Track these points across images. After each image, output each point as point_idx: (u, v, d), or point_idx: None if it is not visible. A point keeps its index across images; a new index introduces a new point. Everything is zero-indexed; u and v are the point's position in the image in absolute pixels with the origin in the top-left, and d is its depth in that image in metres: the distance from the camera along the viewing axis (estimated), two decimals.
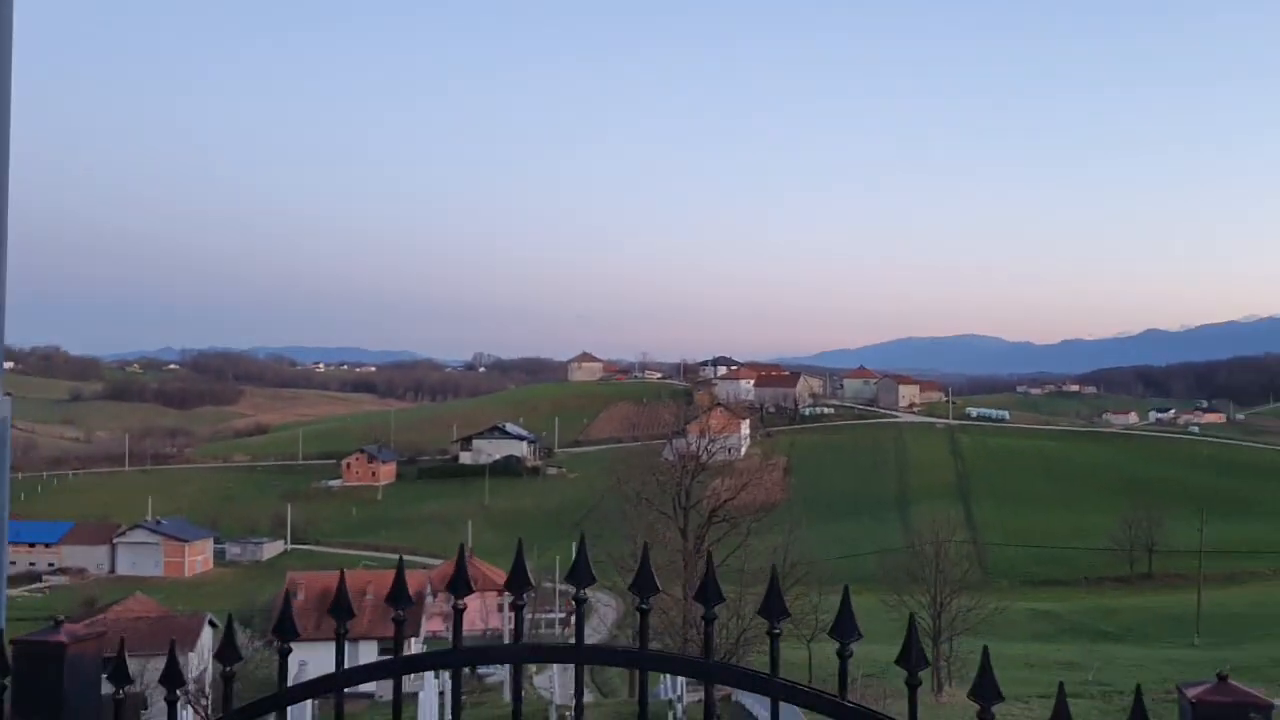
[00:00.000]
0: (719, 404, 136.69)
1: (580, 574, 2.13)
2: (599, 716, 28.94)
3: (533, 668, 39.49)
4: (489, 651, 2.50)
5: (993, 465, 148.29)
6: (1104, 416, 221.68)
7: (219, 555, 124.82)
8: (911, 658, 1.94)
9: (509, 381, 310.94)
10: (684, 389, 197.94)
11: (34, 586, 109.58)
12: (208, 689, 34.92)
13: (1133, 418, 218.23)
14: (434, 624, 62.08)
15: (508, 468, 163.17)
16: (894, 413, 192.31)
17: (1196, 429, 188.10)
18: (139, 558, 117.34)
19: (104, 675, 2.49)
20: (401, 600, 2.30)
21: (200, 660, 43.26)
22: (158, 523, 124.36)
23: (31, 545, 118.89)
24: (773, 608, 2.00)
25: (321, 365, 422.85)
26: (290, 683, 2.31)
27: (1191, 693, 2.40)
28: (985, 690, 1.91)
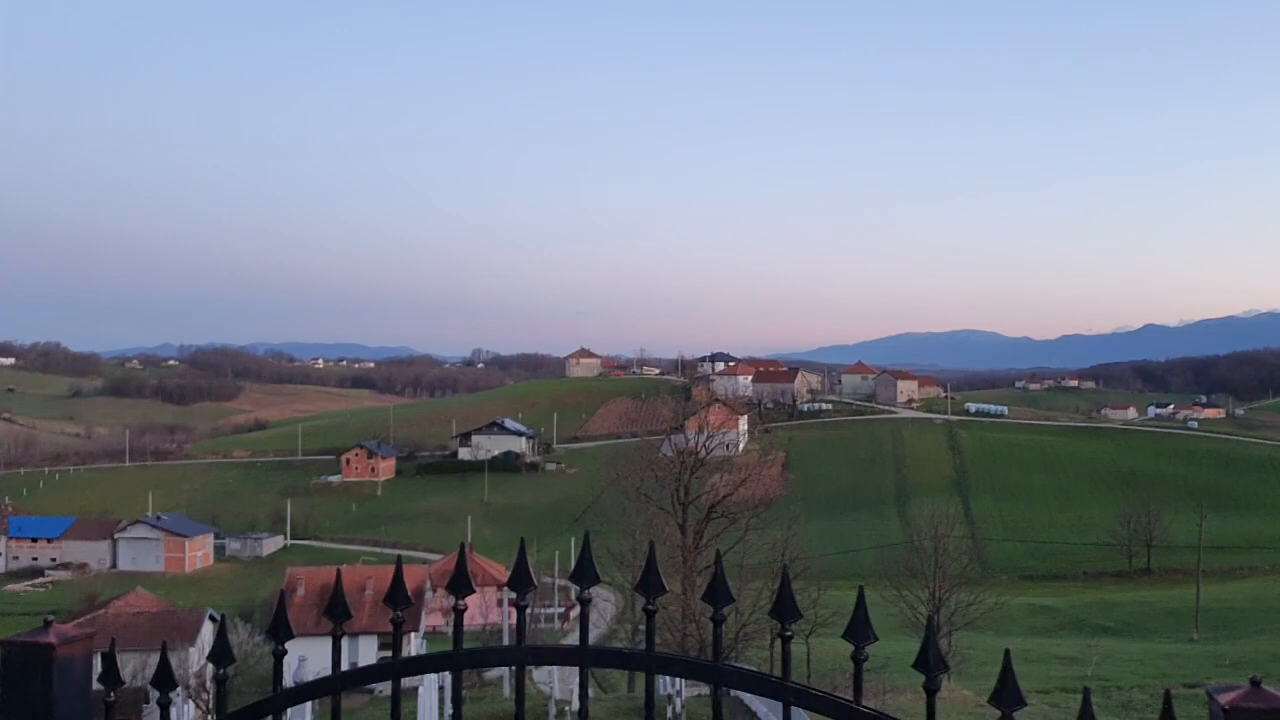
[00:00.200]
0: (717, 400, 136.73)
1: (584, 573, 2.08)
2: (599, 712, 28.90)
3: None
4: (491, 654, 2.45)
5: (991, 460, 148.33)
6: (1103, 412, 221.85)
7: (219, 551, 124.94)
8: (930, 661, 1.84)
9: (507, 377, 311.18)
10: (682, 385, 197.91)
11: (37, 581, 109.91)
12: (208, 684, 34.92)
13: (1131, 413, 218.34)
14: (434, 619, 62.09)
15: (506, 463, 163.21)
16: (892, 408, 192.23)
17: (1196, 424, 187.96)
18: (140, 553, 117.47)
19: (95, 677, 2.44)
20: (400, 601, 2.25)
21: (201, 655, 43.29)
22: (158, 518, 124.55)
23: (34, 540, 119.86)
24: (784, 609, 1.95)
25: (321, 361, 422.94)
26: (289, 677, 2.26)
27: (1224, 699, 2.25)
28: (1008, 695, 1.81)
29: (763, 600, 39.02)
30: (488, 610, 63.50)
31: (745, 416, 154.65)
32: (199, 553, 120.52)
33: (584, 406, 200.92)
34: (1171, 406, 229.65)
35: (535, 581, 2.31)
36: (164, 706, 2.33)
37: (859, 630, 1.90)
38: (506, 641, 37.76)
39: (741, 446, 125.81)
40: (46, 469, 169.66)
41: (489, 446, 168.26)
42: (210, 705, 32.52)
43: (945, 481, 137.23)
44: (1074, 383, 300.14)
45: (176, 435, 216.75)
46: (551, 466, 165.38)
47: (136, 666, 34.10)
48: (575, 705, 30.56)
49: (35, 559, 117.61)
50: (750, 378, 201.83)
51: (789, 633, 1.94)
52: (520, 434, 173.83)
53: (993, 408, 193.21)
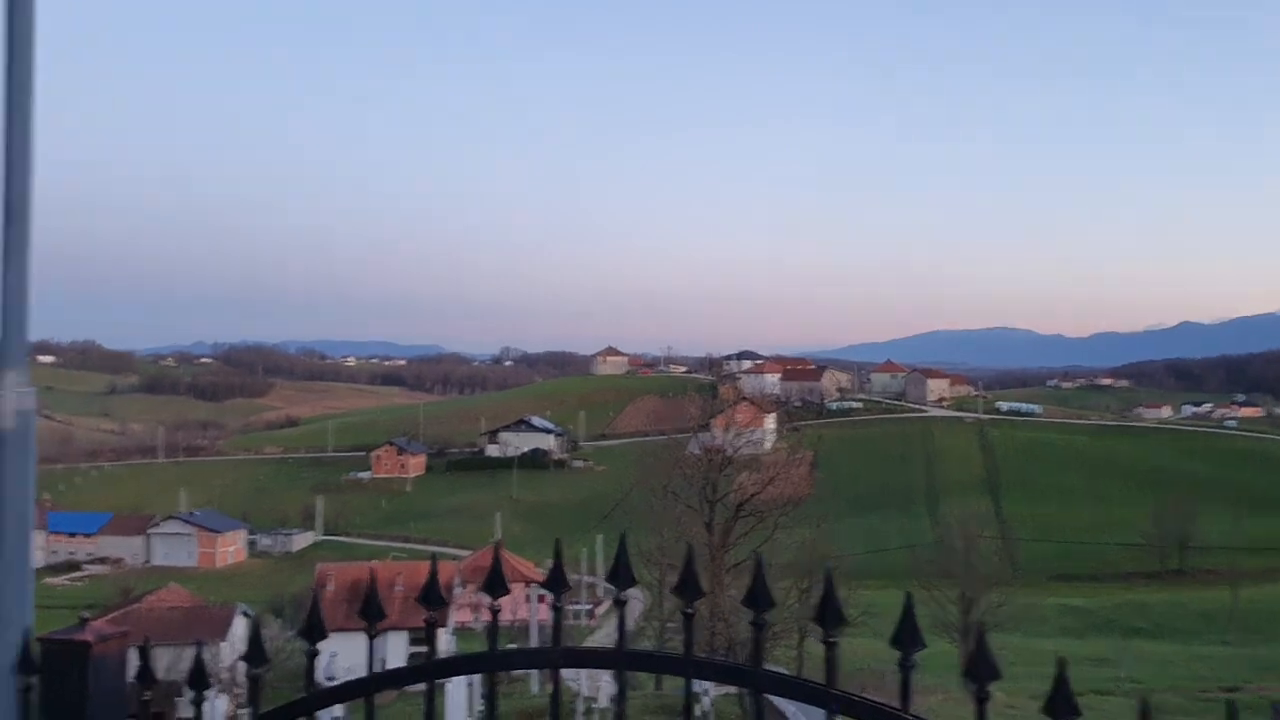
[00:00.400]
0: (744, 398, 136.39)
1: (621, 575, 2.05)
2: (626, 710, 28.87)
3: None
4: (526, 656, 2.43)
5: (1022, 460, 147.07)
6: (1136, 411, 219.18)
7: (251, 546, 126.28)
8: (981, 670, 1.73)
9: (535, 375, 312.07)
10: (709, 383, 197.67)
11: (74, 575, 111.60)
12: (239, 678, 35.30)
13: (1166, 412, 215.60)
14: (463, 614, 62.37)
15: (534, 460, 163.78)
16: (922, 407, 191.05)
17: (1234, 423, 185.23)
18: (173, 548, 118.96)
19: (130, 674, 2.46)
20: (434, 601, 2.23)
21: (232, 650, 43.74)
22: (191, 514, 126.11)
23: (71, 535, 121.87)
24: (829, 613, 1.87)
25: (352, 359, 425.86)
26: (319, 672, 2.27)
27: None
28: (1061, 704, 1.70)
29: (790, 600, 38.91)
30: (516, 607, 63.80)
31: (773, 415, 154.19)
32: (231, 548, 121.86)
33: (611, 404, 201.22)
34: (1208, 405, 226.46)
35: (569, 583, 2.29)
36: (198, 705, 2.35)
37: (907, 637, 1.81)
38: (534, 638, 37.90)
39: (769, 445, 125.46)
40: (83, 465, 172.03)
41: (517, 444, 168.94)
42: (243, 700, 32.91)
43: (976, 481, 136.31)
44: (1107, 381, 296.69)
45: (209, 432, 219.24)
46: (579, 464, 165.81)
47: (170, 660, 34.56)
48: (602, 702, 30.60)
49: (72, 553, 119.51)
50: (778, 376, 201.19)
51: (834, 638, 1.87)
52: (548, 431, 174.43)
53: (1025, 406, 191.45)
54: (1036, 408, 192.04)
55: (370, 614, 2.25)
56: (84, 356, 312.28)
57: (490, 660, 2.21)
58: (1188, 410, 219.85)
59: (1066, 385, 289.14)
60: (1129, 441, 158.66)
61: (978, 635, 1.75)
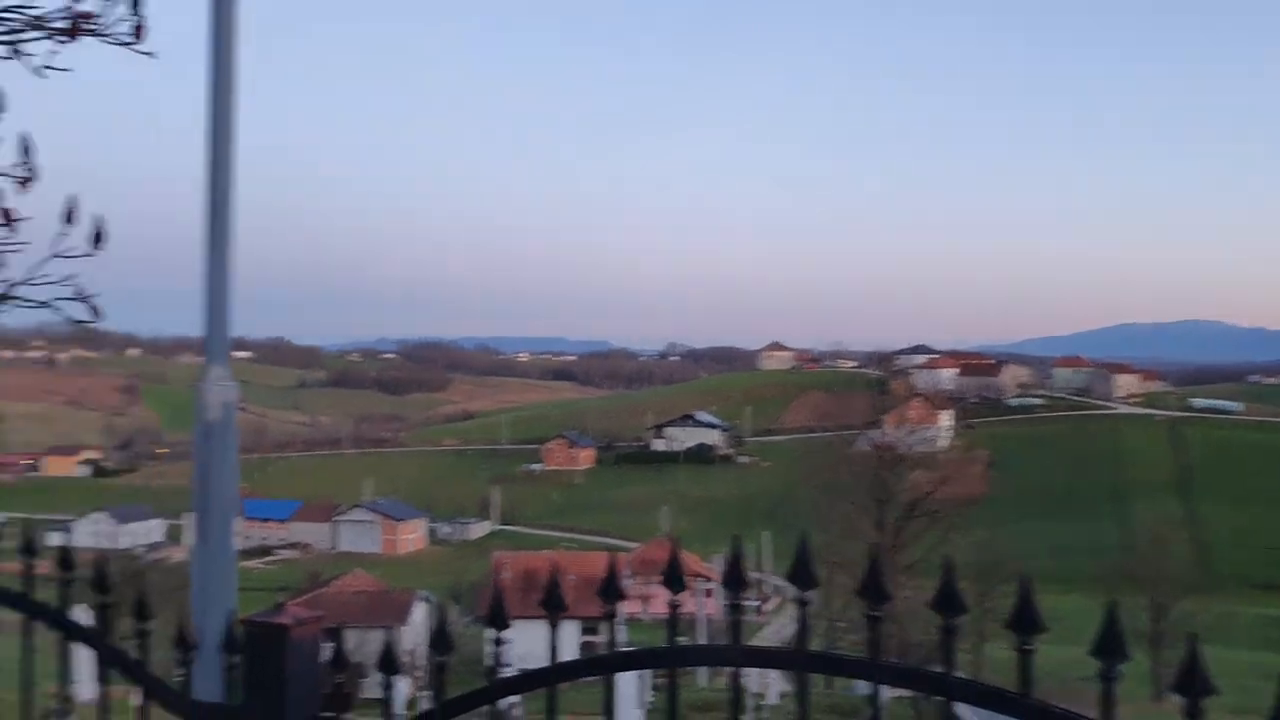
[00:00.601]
0: (917, 394, 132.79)
1: (802, 576, 2.01)
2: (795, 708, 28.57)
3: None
4: (708, 653, 2.40)
5: (1219, 461, 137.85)
6: None
7: (431, 534, 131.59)
8: (1195, 684, 1.62)
9: (700, 370, 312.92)
10: (878, 378, 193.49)
11: (268, 559, 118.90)
12: (420, 662, 36.82)
13: None
14: (632, 606, 63.09)
15: (700, 455, 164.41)
16: (1109, 403, 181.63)
17: None
18: (358, 535, 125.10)
19: (322, 657, 2.58)
20: (613, 595, 2.23)
21: (413, 634, 45.65)
22: (375, 503, 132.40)
23: (265, 521, 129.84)
24: (1025, 620, 1.79)
25: (525, 354, 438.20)
26: (493, 659, 2.32)
27: None
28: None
29: (969, 603, 37.65)
30: (684, 601, 64.08)
31: (948, 412, 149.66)
32: (412, 535, 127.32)
33: (776, 400, 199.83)
34: None
35: (748, 580, 2.26)
36: (388, 688, 2.44)
37: (1110, 647, 1.70)
38: (703, 633, 37.98)
39: (943, 443, 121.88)
40: (274, 455, 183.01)
41: (683, 438, 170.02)
42: (424, 683, 34.35)
43: (1167, 482, 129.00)
44: None
45: (392, 424, 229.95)
46: (744, 459, 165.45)
47: (356, 642, 36.43)
48: (771, 699, 30.39)
49: (265, 538, 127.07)
50: (953, 371, 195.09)
51: (1030, 646, 1.79)
52: (713, 426, 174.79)
53: (1223, 403, 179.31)
54: (1236, 405, 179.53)
55: (552, 605, 2.27)
56: (276, 352, 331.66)
57: (671, 656, 2.19)
58: None
59: (1270, 381, 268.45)
60: None
61: (1190, 647, 1.65)
